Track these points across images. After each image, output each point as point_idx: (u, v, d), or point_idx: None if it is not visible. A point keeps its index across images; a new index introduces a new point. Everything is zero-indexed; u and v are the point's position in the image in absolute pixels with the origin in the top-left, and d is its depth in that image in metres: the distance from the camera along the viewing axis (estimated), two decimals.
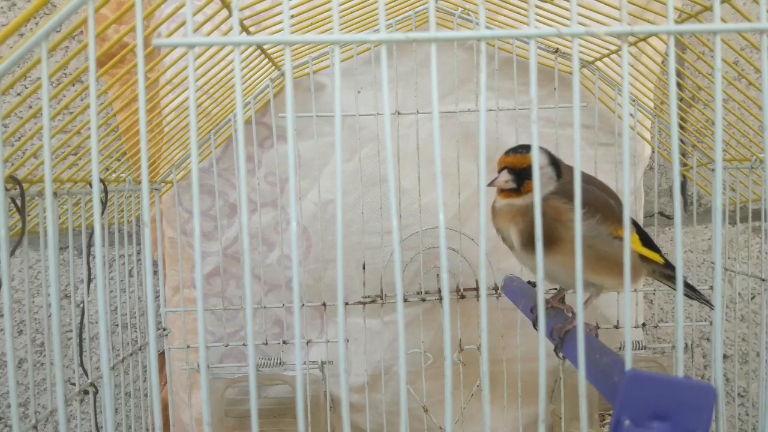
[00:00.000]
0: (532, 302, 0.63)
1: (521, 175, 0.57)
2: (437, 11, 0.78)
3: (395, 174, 0.77)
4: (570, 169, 0.58)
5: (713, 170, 0.78)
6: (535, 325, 0.63)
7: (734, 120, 0.72)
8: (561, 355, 0.57)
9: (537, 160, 0.34)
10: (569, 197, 0.50)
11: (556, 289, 0.76)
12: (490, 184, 0.58)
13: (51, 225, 0.36)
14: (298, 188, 0.82)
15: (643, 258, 0.60)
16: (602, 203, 0.56)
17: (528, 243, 0.56)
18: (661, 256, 0.61)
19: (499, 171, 0.59)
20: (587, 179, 0.59)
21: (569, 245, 0.52)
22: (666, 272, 0.62)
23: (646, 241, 0.61)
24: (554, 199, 0.55)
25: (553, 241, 0.53)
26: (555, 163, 0.58)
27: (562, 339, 0.55)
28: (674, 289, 0.65)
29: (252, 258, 0.80)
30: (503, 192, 0.59)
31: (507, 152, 0.59)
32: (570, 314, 0.59)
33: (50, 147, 0.34)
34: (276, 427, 0.80)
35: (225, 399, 0.79)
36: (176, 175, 0.78)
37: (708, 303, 0.66)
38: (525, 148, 0.58)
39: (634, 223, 0.61)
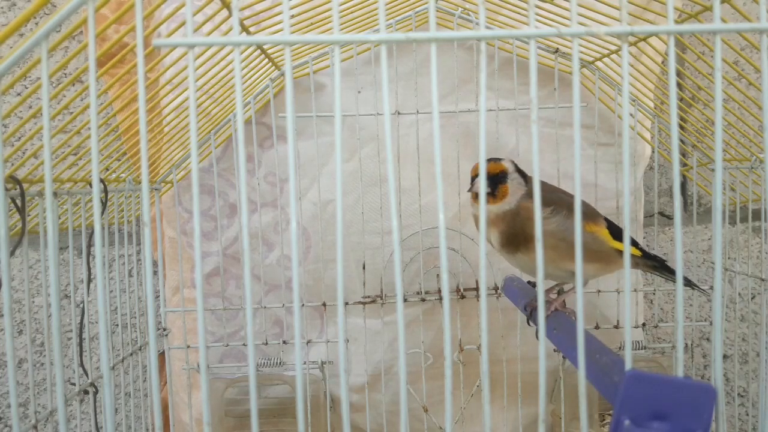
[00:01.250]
0: (527, 299, 0.65)
1: (494, 181, 0.62)
2: (437, 11, 0.78)
3: (395, 174, 0.77)
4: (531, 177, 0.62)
5: (713, 170, 0.78)
6: (528, 320, 0.67)
7: (734, 120, 0.72)
8: (531, 323, 0.66)
9: (537, 159, 0.34)
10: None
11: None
12: (470, 190, 0.63)
13: (51, 225, 0.36)
14: (298, 188, 0.82)
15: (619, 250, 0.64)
16: (566, 202, 0.61)
17: (507, 243, 0.62)
18: (638, 248, 0.64)
19: (473, 179, 0.63)
20: (550, 187, 0.65)
21: (545, 241, 0.54)
22: (649, 263, 0.65)
23: (618, 234, 0.64)
24: (528, 202, 0.61)
25: (529, 239, 0.59)
26: (520, 171, 0.63)
27: (531, 310, 0.64)
28: (660, 276, 0.69)
29: (252, 258, 0.80)
30: (478, 199, 0.62)
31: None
32: (553, 305, 0.63)
33: (50, 147, 0.34)
34: (276, 427, 0.80)
35: (225, 399, 0.79)
36: (176, 175, 0.78)
37: (698, 287, 0.69)
38: (496, 159, 0.63)
39: (605, 219, 0.65)
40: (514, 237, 0.61)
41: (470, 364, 0.81)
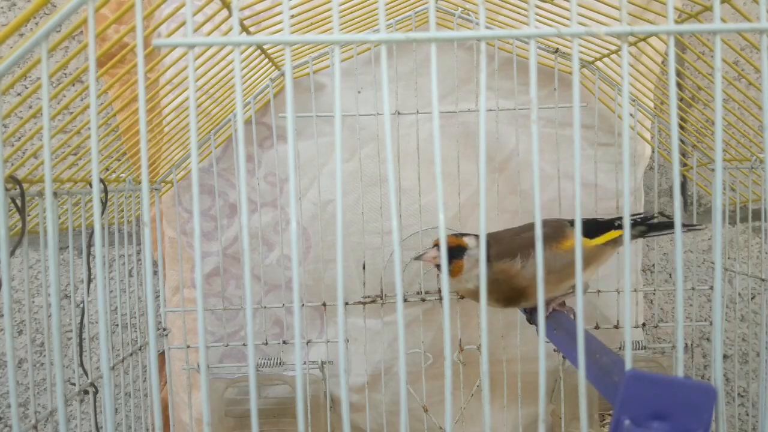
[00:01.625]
0: None
1: (451, 254, 0.60)
2: (437, 11, 0.78)
3: (395, 174, 0.77)
4: (493, 235, 0.65)
5: (713, 170, 0.78)
6: (528, 320, 0.67)
7: (734, 120, 0.72)
8: (531, 322, 0.67)
9: (537, 159, 0.34)
10: (503, 256, 0.60)
11: None
12: (418, 258, 0.63)
13: (51, 225, 0.37)
14: (298, 188, 0.82)
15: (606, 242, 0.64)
16: (521, 242, 0.62)
17: (509, 303, 0.62)
18: (617, 228, 0.64)
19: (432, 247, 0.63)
20: (503, 235, 0.65)
21: (534, 289, 0.55)
22: (637, 232, 0.65)
23: (595, 228, 0.64)
24: (498, 265, 0.61)
25: (522, 291, 0.60)
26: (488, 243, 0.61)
27: (531, 310, 0.65)
28: (658, 235, 0.70)
29: (252, 258, 0.80)
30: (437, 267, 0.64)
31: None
32: (551, 305, 0.63)
33: (50, 147, 0.34)
34: (276, 427, 0.80)
35: (225, 399, 0.79)
36: (176, 175, 0.78)
37: (695, 227, 0.70)
38: (461, 234, 0.63)
39: (569, 222, 0.65)
40: (512, 297, 0.62)
41: (470, 364, 0.81)
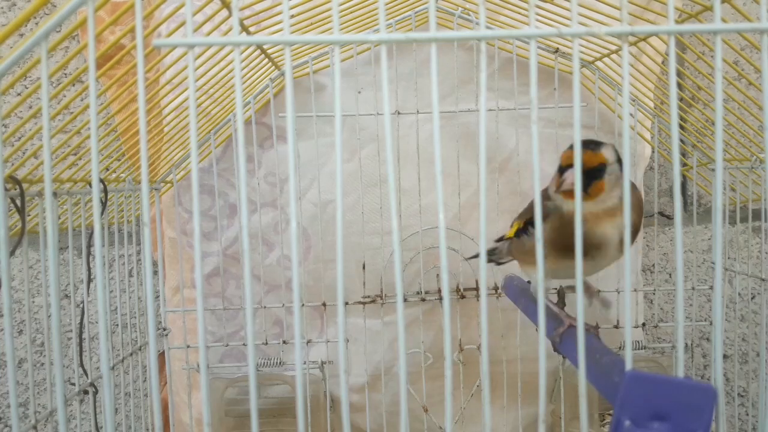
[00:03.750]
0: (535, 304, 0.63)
1: (589, 175, 0.49)
2: (437, 11, 0.78)
3: (395, 174, 0.77)
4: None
5: (713, 170, 0.78)
6: (555, 348, 0.57)
7: (734, 120, 0.72)
8: (559, 352, 0.56)
9: (537, 160, 0.34)
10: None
11: (555, 289, 0.76)
12: (559, 190, 0.52)
13: (51, 225, 0.36)
14: (297, 188, 0.82)
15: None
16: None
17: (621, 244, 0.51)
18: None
19: (562, 168, 0.52)
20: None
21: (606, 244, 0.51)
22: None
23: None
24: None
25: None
26: (620, 160, 0.51)
27: (560, 337, 0.55)
28: None
29: (252, 258, 0.80)
30: (565, 193, 0.52)
31: (572, 146, 0.48)
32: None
33: (50, 147, 0.34)
34: (276, 427, 0.80)
35: (225, 399, 0.79)
36: (176, 175, 0.78)
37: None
38: (595, 144, 0.51)
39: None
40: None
41: (470, 364, 0.81)
